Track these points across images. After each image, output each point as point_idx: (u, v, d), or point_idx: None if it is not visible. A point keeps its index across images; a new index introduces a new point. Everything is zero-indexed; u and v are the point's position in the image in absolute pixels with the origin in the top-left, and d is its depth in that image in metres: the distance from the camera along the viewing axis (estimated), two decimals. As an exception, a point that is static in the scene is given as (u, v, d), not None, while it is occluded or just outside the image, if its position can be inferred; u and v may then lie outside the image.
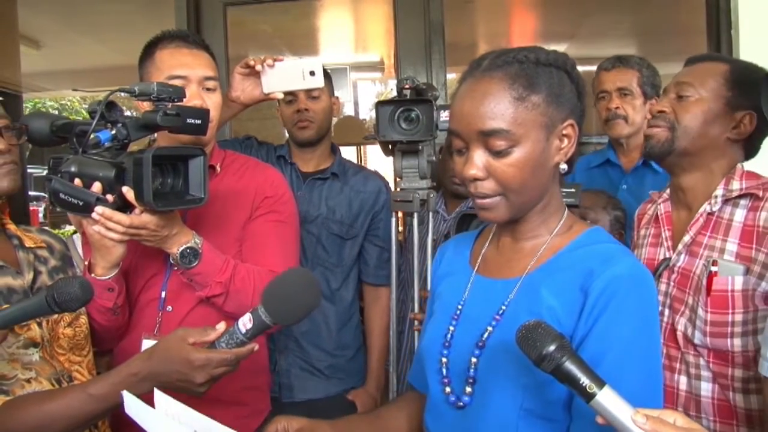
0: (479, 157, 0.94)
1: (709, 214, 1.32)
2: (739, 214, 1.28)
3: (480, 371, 0.96)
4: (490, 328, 0.97)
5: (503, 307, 0.97)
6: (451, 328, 1.03)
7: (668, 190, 1.44)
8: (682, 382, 1.31)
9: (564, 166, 0.98)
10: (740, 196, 1.29)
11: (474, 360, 0.96)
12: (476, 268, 1.07)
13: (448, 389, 1.00)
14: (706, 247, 1.30)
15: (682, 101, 1.34)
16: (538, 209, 1.00)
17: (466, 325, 1.02)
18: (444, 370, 1.01)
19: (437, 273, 1.17)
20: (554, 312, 0.92)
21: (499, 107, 0.92)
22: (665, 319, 1.34)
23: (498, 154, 0.93)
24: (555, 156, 0.96)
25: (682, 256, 1.34)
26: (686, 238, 1.33)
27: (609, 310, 0.89)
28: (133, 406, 0.92)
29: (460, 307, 1.04)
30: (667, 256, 1.37)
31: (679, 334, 1.30)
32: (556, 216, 1.02)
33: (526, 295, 0.96)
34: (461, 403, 0.97)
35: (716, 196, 1.31)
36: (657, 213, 1.44)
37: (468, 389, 0.97)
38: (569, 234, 1.00)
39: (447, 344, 1.02)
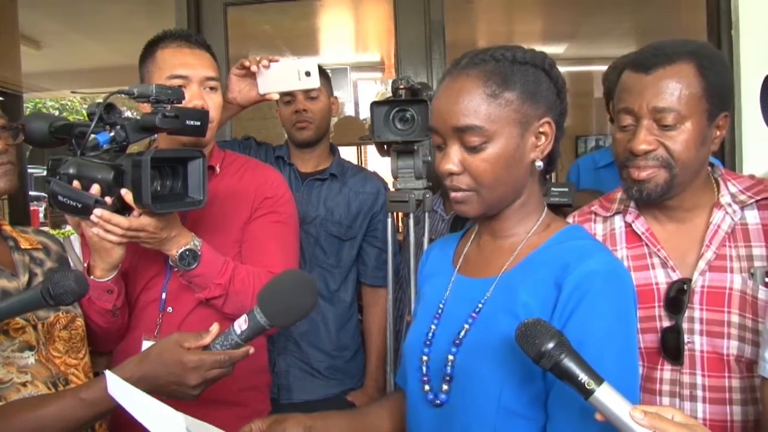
0: (455, 153, 0.96)
1: (738, 224, 1.20)
2: (752, 216, 1.20)
3: (457, 369, 0.97)
4: (467, 326, 0.98)
5: (480, 305, 0.98)
6: (433, 327, 1.04)
7: (633, 204, 1.28)
8: (736, 412, 1.16)
9: (540, 164, 0.99)
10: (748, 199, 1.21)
11: (451, 358, 0.97)
12: (458, 267, 1.09)
13: (427, 387, 1.01)
14: (730, 259, 1.19)
15: (668, 131, 1.15)
16: (516, 206, 1.01)
17: (447, 324, 1.03)
18: (424, 368, 1.02)
19: (422, 273, 1.18)
20: (528, 308, 0.92)
21: (473, 104, 0.94)
22: (697, 347, 1.18)
23: (473, 149, 0.95)
24: (531, 153, 0.97)
25: (707, 275, 1.19)
26: (709, 255, 1.19)
27: (583, 305, 0.89)
28: (116, 387, 0.93)
29: (441, 306, 1.06)
30: (676, 278, 1.21)
31: (729, 359, 1.17)
32: (535, 214, 1.03)
33: (502, 294, 0.97)
34: (439, 401, 0.98)
35: (729, 204, 1.21)
36: (629, 231, 1.28)
37: (445, 387, 0.97)
38: (547, 232, 1.01)
39: (428, 343, 1.03)
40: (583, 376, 0.76)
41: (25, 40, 4.45)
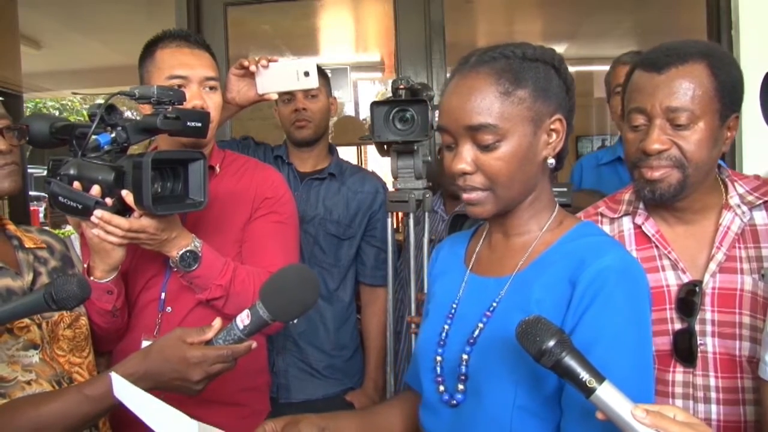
0: (467, 152, 0.95)
1: (747, 225, 1.20)
2: (760, 217, 1.20)
3: (471, 368, 0.96)
4: (481, 325, 0.97)
5: (494, 304, 0.98)
6: (446, 326, 1.04)
7: (641, 206, 1.27)
8: (750, 412, 1.16)
9: (552, 161, 0.98)
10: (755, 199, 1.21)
11: (465, 357, 0.97)
12: (470, 266, 1.08)
13: (442, 388, 1.00)
14: (740, 260, 1.19)
15: (681, 131, 1.15)
16: (527, 204, 1.00)
17: (460, 323, 1.02)
18: (438, 369, 1.02)
19: (432, 273, 1.17)
20: (542, 305, 0.92)
21: (486, 102, 0.93)
22: (709, 348, 1.18)
23: (486, 148, 0.94)
24: (543, 150, 0.97)
25: (718, 276, 1.19)
26: (720, 256, 1.19)
27: (597, 302, 0.89)
28: (122, 389, 0.93)
29: (454, 306, 1.05)
30: (686, 280, 1.20)
31: (741, 360, 1.17)
32: (547, 211, 1.02)
33: (516, 293, 0.97)
34: (455, 402, 0.98)
35: (738, 206, 1.21)
36: (639, 233, 1.27)
37: (460, 387, 0.97)
38: (560, 229, 1.01)
39: (442, 343, 1.03)
40: (584, 375, 0.76)
41: (25, 40, 4.45)
